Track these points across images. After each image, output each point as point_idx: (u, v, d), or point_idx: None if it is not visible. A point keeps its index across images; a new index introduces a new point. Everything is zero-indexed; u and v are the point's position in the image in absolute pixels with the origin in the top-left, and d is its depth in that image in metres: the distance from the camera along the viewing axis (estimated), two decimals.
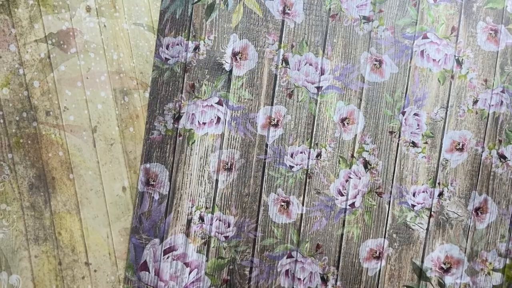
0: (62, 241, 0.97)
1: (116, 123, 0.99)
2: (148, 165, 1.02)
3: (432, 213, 1.07)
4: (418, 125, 1.07)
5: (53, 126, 0.96)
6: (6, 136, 0.96)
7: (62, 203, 0.97)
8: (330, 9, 1.05)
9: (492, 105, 1.08)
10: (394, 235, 1.07)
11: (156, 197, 1.02)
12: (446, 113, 1.07)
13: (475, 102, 1.08)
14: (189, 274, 1.02)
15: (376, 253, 1.07)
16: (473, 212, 1.08)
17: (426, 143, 1.07)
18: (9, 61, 0.96)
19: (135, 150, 1.01)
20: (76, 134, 0.97)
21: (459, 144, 1.07)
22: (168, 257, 1.02)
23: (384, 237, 1.07)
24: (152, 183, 1.02)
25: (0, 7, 0.95)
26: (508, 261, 1.09)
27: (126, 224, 1.01)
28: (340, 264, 1.07)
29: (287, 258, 1.06)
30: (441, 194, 1.07)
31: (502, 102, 1.08)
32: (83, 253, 0.98)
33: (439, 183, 1.07)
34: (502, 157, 1.08)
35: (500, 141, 1.08)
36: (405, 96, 1.07)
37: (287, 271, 1.06)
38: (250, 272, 1.05)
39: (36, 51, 0.96)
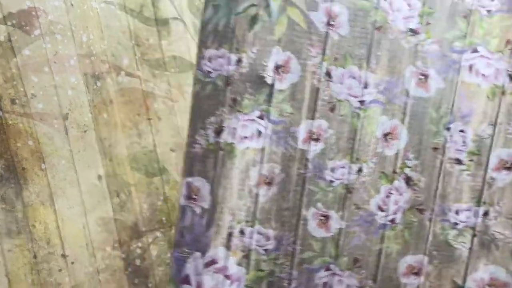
0: (36, 234, 0.94)
1: (89, 109, 0.95)
2: (190, 179, 1.03)
3: (476, 232, 1.05)
4: (463, 142, 1.04)
5: (20, 115, 0.91)
6: None
7: (35, 194, 0.94)
8: (375, 20, 1.02)
9: None
10: (435, 253, 1.06)
11: (198, 211, 1.04)
12: (494, 130, 1.04)
13: None
14: (229, 287, 1.04)
15: (415, 269, 1.07)
16: None
17: (471, 160, 1.05)
18: None
19: (109, 137, 0.98)
20: (46, 122, 0.93)
21: (507, 163, 1.04)
22: (209, 270, 1.04)
23: (424, 254, 1.06)
24: (194, 197, 1.03)
25: None
26: None
27: (103, 213, 0.98)
28: (378, 278, 1.07)
29: (325, 271, 1.07)
30: (486, 213, 1.05)
31: None
32: (59, 245, 0.95)
33: (484, 202, 1.05)
34: None
35: None
36: (451, 111, 1.04)
37: (324, 283, 1.07)
38: (289, 284, 1.06)
39: None
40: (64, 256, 0.96)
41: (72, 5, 0.91)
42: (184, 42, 1.02)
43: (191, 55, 1.02)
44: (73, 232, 0.96)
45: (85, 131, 0.96)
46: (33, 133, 0.93)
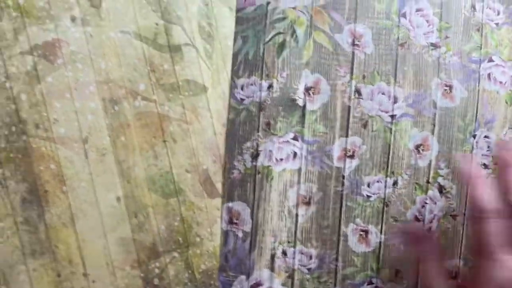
0: (59, 254, 0.95)
1: (107, 133, 0.96)
2: (230, 204, 1.03)
3: None
4: (488, 147, 1.09)
5: (44, 139, 0.93)
6: None
7: (56, 216, 0.95)
8: (398, 38, 1.06)
9: None
10: (468, 255, 1.09)
11: (240, 234, 1.04)
12: None
13: None
14: None
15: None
16: None
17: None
18: None
19: (127, 160, 0.98)
20: (67, 146, 0.94)
21: None
22: None
23: (459, 258, 1.09)
24: (235, 221, 1.03)
25: None
26: None
27: (122, 234, 0.98)
28: (419, 287, 1.09)
29: (367, 285, 1.08)
30: None
31: None
32: (80, 265, 0.96)
33: None
34: None
35: None
36: (475, 119, 1.09)
37: None
38: None
39: (22, 63, 0.91)
40: (85, 275, 0.97)
41: (91, 35, 0.94)
42: (196, 67, 1.05)
43: (204, 78, 1.05)
44: (93, 252, 0.97)
45: (104, 154, 0.97)
46: (55, 156, 0.94)
